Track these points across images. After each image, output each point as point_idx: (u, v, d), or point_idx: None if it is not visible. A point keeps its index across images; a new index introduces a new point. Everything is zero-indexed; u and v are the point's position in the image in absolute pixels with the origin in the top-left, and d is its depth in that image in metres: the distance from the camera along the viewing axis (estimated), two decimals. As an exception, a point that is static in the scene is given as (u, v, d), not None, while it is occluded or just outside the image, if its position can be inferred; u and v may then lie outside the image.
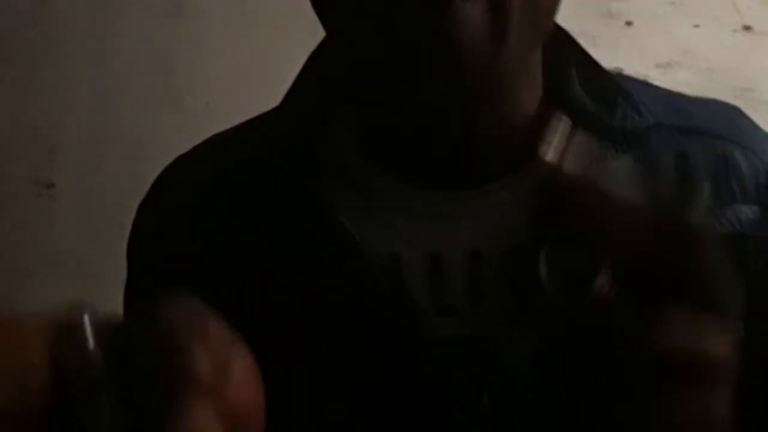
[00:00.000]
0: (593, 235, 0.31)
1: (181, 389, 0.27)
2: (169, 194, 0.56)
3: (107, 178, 1.08)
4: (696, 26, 1.22)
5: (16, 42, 1.09)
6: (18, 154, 1.08)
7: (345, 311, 0.43)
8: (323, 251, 0.44)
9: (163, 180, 0.57)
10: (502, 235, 0.44)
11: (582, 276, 0.31)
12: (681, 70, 1.21)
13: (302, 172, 0.45)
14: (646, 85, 0.54)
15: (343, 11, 0.41)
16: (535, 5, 0.43)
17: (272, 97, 0.52)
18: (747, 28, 1.22)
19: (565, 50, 0.51)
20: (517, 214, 0.44)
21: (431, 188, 0.45)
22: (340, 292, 0.43)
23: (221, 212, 0.49)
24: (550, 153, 0.40)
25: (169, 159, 0.73)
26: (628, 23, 1.21)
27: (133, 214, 0.90)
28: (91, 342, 0.31)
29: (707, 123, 0.50)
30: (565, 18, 1.12)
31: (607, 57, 1.24)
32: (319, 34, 0.71)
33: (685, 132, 0.49)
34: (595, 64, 0.52)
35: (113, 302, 1.06)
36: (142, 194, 0.75)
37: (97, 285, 1.05)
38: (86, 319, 0.31)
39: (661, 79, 1.21)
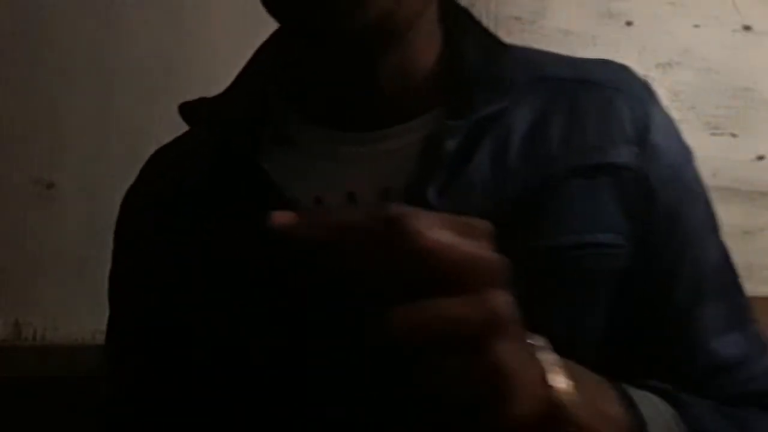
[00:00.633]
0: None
1: None
2: (142, 178, 0.67)
3: (107, 178, 1.08)
4: (696, 26, 1.22)
5: (16, 42, 1.09)
6: (18, 154, 1.08)
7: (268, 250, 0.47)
8: (257, 201, 0.51)
9: (141, 168, 0.68)
10: (405, 172, 0.51)
11: None
12: (681, 70, 1.21)
13: (245, 139, 0.55)
14: (545, 52, 0.61)
15: None
16: None
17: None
18: (747, 28, 1.22)
19: (464, 22, 0.58)
20: (415, 155, 0.52)
21: (346, 131, 0.54)
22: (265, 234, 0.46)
23: (180, 182, 0.58)
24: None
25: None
26: (628, 23, 1.21)
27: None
28: None
29: (596, 75, 0.58)
30: (565, 18, 1.13)
31: (607, 57, 1.24)
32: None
33: (576, 82, 0.56)
34: (486, 31, 0.58)
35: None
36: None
37: (97, 285, 1.05)
38: None
39: (661, 79, 1.21)
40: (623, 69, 0.60)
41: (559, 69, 0.58)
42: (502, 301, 0.34)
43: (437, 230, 0.33)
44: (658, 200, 0.54)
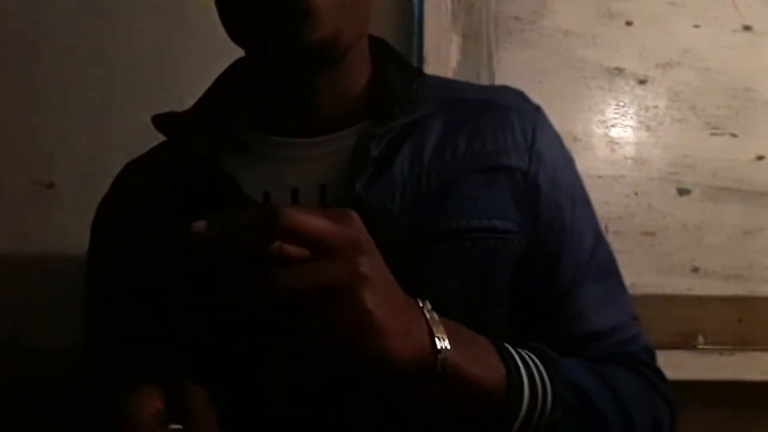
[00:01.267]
0: None
1: None
2: (114, 190, 0.75)
3: (107, 178, 1.08)
4: (696, 26, 1.22)
5: (16, 42, 1.09)
6: (18, 154, 1.08)
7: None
8: (219, 198, 0.62)
9: (113, 182, 0.76)
10: (338, 171, 0.63)
11: None
12: (681, 70, 1.21)
13: (207, 148, 0.65)
14: (455, 80, 0.76)
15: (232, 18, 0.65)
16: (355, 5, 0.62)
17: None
18: (747, 28, 1.22)
19: (386, 52, 0.71)
20: (346, 158, 0.63)
21: (291, 137, 0.66)
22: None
23: (150, 191, 0.68)
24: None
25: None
26: (628, 23, 1.21)
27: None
28: None
29: (496, 98, 0.70)
30: (565, 18, 1.13)
31: (607, 57, 1.24)
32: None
33: (479, 102, 0.69)
34: (404, 60, 0.72)
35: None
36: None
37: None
38: None
39: (660, 79, 1.21)
40: (519, 94, 0.72)
41: (465, 92, 0.71)
42: (363, 261, 0.44)
43: (305, 214, 0.44)
44: (542, 196, 0.66)
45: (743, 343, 1.15)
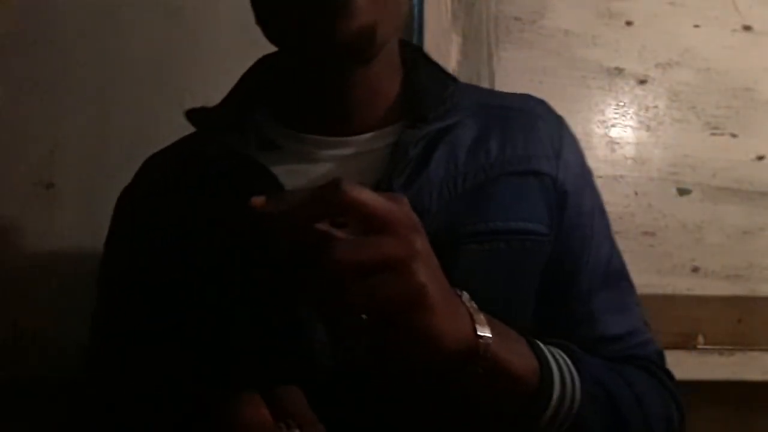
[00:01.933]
0: None
1: None
2: (138, 179, 0.75)
3: (107, 178, 1.08)
4: (696, 26, 1.22)
5: (16, 42, 1.09)
6: (18, 154, 1.08)
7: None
8: (255, 190, 0.59)
9: (136, 172, 0.76)
10: (372, 171, 0.64)
11: None
12: (681, 70, 1.21)
13: (238, 142, 0.65)
14: (482, 87, 0.80)
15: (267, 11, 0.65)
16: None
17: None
18: (747, 28, 1.22)
19: (416, 54, 0.72)
20: (382, 157, 0.65)
21: (322, 135, 0.66)
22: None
23: (180, 179, 0.69)
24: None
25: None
26: (628, 23, 1.21)
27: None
28: None
29: (523, 105, 0.72)
30: (565, 18, 1.13)
31: (607, 57, 1.24)
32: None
33: (508, 108, 0.71)
34: (434, 62, 0.73)
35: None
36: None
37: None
38: None
39: (660, 79, 1.21)
40: (543, 102, 0.74)
41: (493, 98, 0.73)
42: (418, 239, 0.47)
43: (365, 190, 0.46)
44: (569, 202, 0.69)
45: (743, 343, 1.15)
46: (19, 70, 1.09)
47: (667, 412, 0.66)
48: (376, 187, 0.62)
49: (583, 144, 0.74)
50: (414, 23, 1.15)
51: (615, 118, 1.20)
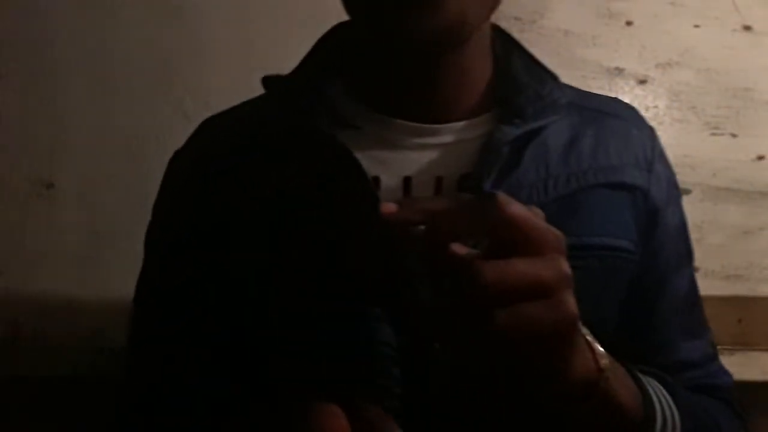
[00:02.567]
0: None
1: None
2: (194, 142, 0.69)
3: (107, 178, 1.08)
4: (696, 26, 1.22)
5: (15, 42, 1.09)
6: (18, 154, 1.08)
7: (342, 212, 0.56)
8: (333, 173, 0.57)
9: (191, 135, 0.70)
10: (459, 164, 0.59)
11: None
12: (681, 70, 1.21)
13: (310, 116, 0.59)
14: (574, 87, 0.70)
15: None
16: None
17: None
18: (747, 28, 1.22)
19: (509, 43, 0.67)
20: (470, 150, 0.60)
21: (404, 119, 0.61)
22: (341, 199, 0.56)
23: (246, 146, 0.63)
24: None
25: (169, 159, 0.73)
26: (628, 23, 1.21)
27: (133, 214, 0.90)
28: None
29: (618, 110, 0.68)
30: (565, 18, 1.13)
31: (607, 57, 1.24)
32: (318, 33, 0.71)
33: (603, 112, 0.67)
34: (530, 55, 0.67)
35: (112, 302, 1.07)
36: (142, 194, 0.75)
37: (97, 285, 1.05)
38: None
39: (660, 79, 1.21)
40: (635, 109, 0.71)
41: (587, 100, 0.68)
42: (564, 262, 0.43)
43: (518, 205, 0.42)
44: (659, 219, 0.65)
45: (743, 343, 1.15)
46: (19, 70, 1.09)
47: None
48: (460, 183, 0.59)
49: (583, 144, 0.74)
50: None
51: (615, 118, 1.21)
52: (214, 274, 0.61)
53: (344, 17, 0.63)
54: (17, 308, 1.05)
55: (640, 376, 0.55)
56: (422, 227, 0.43)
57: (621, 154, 0.64)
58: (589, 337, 0.48)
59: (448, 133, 0.61)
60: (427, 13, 0.54)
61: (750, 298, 1.18)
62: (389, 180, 0.59)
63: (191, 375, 0.62)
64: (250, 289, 0.59)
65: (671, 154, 1.19)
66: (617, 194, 0.63)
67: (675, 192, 0.69)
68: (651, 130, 0.69)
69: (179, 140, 0.71)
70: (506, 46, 0.67)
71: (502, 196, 0.42)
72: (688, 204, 1.20)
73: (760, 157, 1.21)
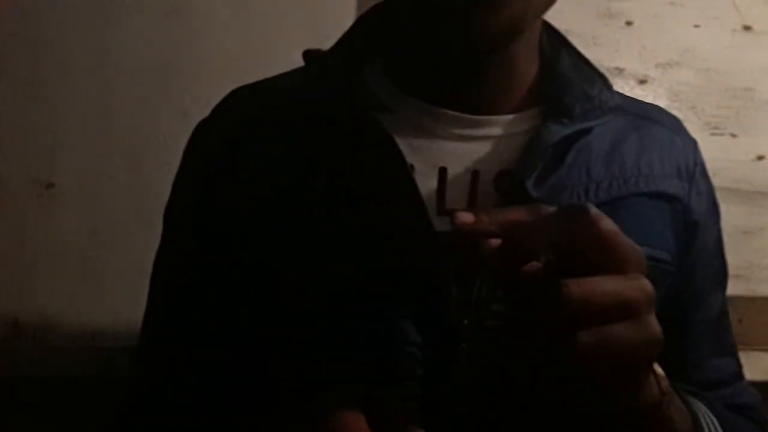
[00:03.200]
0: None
1: None
2: (221, 111, 0.66)
3: (107, 178, 1.08)
4: (696, 26, 1.22)
5: (15, 42, 1.09)
6: (18, 154, 1.08)
7: (378, 197, 0.55)
8: (368, 153, 0.55)
9: (227, 98, 0.67)
10: (498, 160, 0.57)
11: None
12: (681, 70, 1.21)
13: (353, 98, 0.58)
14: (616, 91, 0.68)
15: None
16: None
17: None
18: (747, 28, 1.22)
19: (558, 40, 0.65)
20: (512, 146, 0.58)
21: (445, 110, 0.58)
22: (378, 184, 0.55)
23: (275, 119, 0.61)
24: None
25: (169, 159, 0.73)
26: (628, 23, 1.21)
27: (133, 214, 0.90)
28: None
29: (662, 118, 0.67)
30: (565, 18, 1.13)
31: (607, 57, 1.24)
32: (318, 33, 0.71)
33: (647, 119, 0.65)
34: (579, 53, 0.65)
35: (112, 302, 1.07)
36: (142, 194, 0.75)
37: (97, 285, 1.05)
38: None
39: (661, 79, 1.21)
40: (678, 119, 0.69)
41: (632, 105, 0.67)
42: (647, 282, 0.41)
43: (611, 223, 0.40)
44: (699, 233, 0.63)
45: (743, 343, 1.15)
46: (19, 70, 1.09)
47: None
48: (497, 180, 0.57)
49: (583, 144, 0.74)
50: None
51: (615, 118, 1.21)
52: (234, 263, 0.58)
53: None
54: (17, 308, 1.05)
55: (687, 396, 0.53)
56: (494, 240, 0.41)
57: (663, 163, 0.63)
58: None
59: (490, 127, 0.59)
60: (492, 14, 0.52)
61: (750, 298, 1.18)
62: (423, 168, 0.57)
63: (195, 375, 0.61)
64: (281, 279, 0.56)
65: (671, 154, 1.20)
66: (658, 204, 0.61)
67: (714, 208, 0.67)
68: (694, 142, 0.68)
69: (179, 140, 0.71)
70: (555, 44, 0.65)
71: (595, 211, 0.40)
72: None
73: (760, 157, 1.21)
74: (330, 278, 0.55)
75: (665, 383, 0.46)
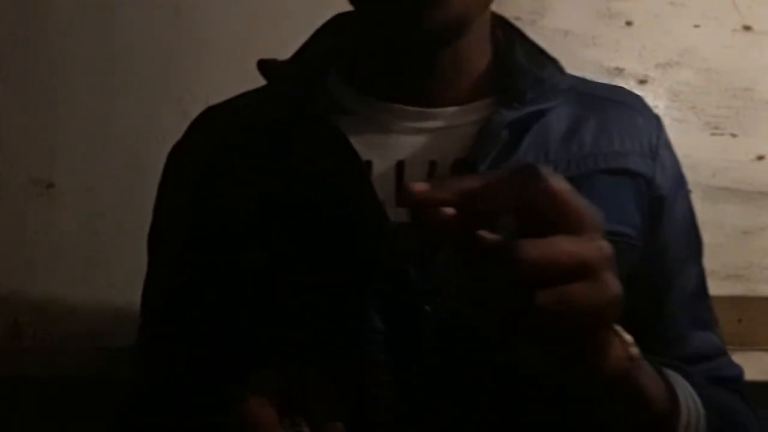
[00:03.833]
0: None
1: None
2: (193, 133, 0.69)
3: (107, 178, 1.08)
4: (696, 26, 1.22)
5: (16, 42, 1.09)
6: (18, 154, 1.08)
7: (335, 195, 0.57)
8: (326, 157, 0.58)
9: (190, 125, 0.70)
10: (455, 149, 0.59)
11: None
12: (681, 70, 1.21)
13: (307, 102, 0.60)
14: (573, 75, 0.70)
15: None
16: None
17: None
18: (747, 28, 1.22)
19: (512, 32, 0.67)
20: (467, 135, 0.59)
21: (400, 106, 0.61)
22: (335, 182, 0.57)
23: (243, 132, 0.64)
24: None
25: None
26: (628, 23, 1.21)
27: (133, 214, 0.90)
28: None
29: (623, 98, 0.68)
30: (565, 18, 1.13)
31: (607, 57, 1.24)
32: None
33: (607, 99, 0.67)
34: (532, 43, 0.67)
35: (112, 302, 1.07)
36: (142, 194, 0.75)
37: (97, 285, 1.05)
38: None
39: (661, 79, 1.21)
40: (641, 98, 0.70)
41: (591, 87, 0.68)
42: (605, 243, 0.41)
43: (564, 181, 0.40)
44: (665, 208, 0.64)
45: (743, 343, 1.15)
46: (19, 70, 1.09)
47: None
48: (454, 168, 0.59)
49: (583, 144, 0.74)
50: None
51: (615, 118, 1.21)
52: (214, 273, 0.61)
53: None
54: (17, 308, 1.05)
55: (663, 368, 0.54)
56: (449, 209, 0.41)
57: (624, 141, 0.64)
58: (617, 326, 0.46)
59: (443, 118, 0.61)
60: (436, 9, 0.54)
61: (750, 298, 1.18)
62: (382, 164, 0.60)
63: (191, 376, 0.62)
64: (254, 282, 0.59)
65: (671, 154, 1.20)
66: (620, 180, 0.62)
67: (681, 181, 0.68)
68: (657, 119, 0.68)
69: (179, 140, 0.71)
70: (508, 35, 0.67)
71: (545, 170, 0.40)
72: (688, 204, 1.18)
73: (760, 157, 1.21)
74: (297, 275, 0.57)
75: (634, 350, 0.46)
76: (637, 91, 1.23)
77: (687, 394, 0.53)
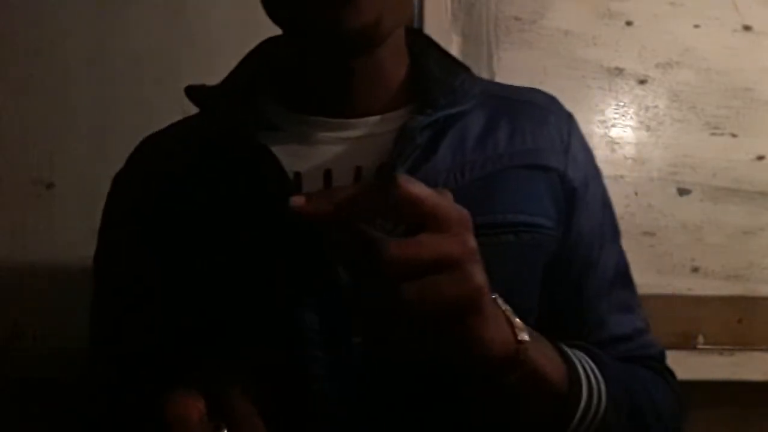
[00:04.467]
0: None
1: None
2: (133, 162, 0.74)
3: (107, 178, 1.08)
4: (696, 26, 1.22)
5: (16, 42, 1.09)
6: (18, 154, 1.08)
7: (265, 206, 0.60)
8: (255, 171, 0.61)
9: (130, 155, 0.75)
10: (378, 155, 0.63)
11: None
12: (681, 70, 1.21)
13: (239, 123, 0.64)
14: (487, 80, 0.77)
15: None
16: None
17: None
18: (747, 28, 1.22)
19: (425, 42, 0.72)
20: (389, 141, 0.63)
21: (324, 119, 0.65)
22: (264, 194, 0.61)
23: (179, 156, 0.68)
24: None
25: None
26: (628, 23, 1.21)
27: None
28: None
29: (536, 99, 0.72)
30: (565, 18, 1.13)
31: (607, 57, 1.24)
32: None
33: (519, 101, 0.70)
34: (444, 52, 0.72)
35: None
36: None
37: (97, 285, 1.06)
38: None
39: (661, 79, 1.21)
40: (554, 98, 0.74)
41: (503, 90, 0.73)
42: (470, 237, 0.45)
43: (420, 186, 0.44)
44: (578, 199, 0.68)
45: (743, 343, 1.15)
46: (19, 70, 1.09)
47: (675, 413, 0.66)
48: (378, 173, 0.62)
49: (583, 144, 0.74)
50: (414, 23, 1.15)
51: (615, 118, 1.20)
52: (160, 289, 0.64)
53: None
54: (17, 308, 1.05)
55: (565, 348, 0.57)
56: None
57: (537, 139, 0.67)
58: (509, 312, 0.50)
59: (365, 127, 0.65)
60: (344, 14, 0.58)
61: (750, 298, 1.18)
62: (311, 173, 0.63)
63: (134, 379, 0.65)
64: (196, 294, 0.63)
65: (671, 154, 1.20)
66: (534, 174, 0.66)
67: (593, 171, 0.72)
68: (569, 116, 0.72)
69: (179, 140, 0.71)
70: (423, 47, 0.71)
71: (403, 177, 0.44)
72: (688, 204, 1.20)
73: (760, 157, 1.21)
74: (234, 283, 0.61)
75: (524, 334, 0.49)
76: (637, 91, 1.24)
77: (589, 372, 0.56)
